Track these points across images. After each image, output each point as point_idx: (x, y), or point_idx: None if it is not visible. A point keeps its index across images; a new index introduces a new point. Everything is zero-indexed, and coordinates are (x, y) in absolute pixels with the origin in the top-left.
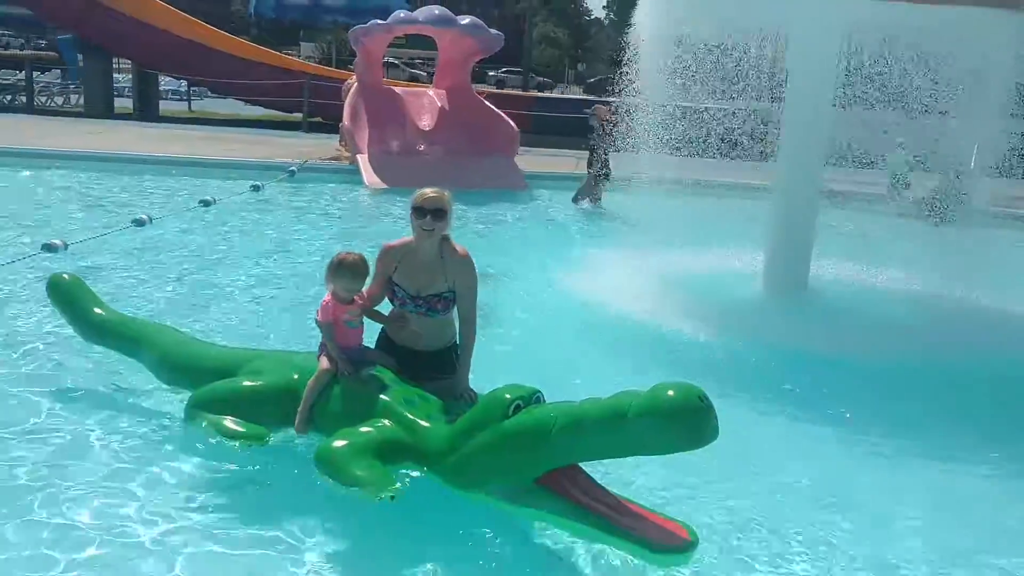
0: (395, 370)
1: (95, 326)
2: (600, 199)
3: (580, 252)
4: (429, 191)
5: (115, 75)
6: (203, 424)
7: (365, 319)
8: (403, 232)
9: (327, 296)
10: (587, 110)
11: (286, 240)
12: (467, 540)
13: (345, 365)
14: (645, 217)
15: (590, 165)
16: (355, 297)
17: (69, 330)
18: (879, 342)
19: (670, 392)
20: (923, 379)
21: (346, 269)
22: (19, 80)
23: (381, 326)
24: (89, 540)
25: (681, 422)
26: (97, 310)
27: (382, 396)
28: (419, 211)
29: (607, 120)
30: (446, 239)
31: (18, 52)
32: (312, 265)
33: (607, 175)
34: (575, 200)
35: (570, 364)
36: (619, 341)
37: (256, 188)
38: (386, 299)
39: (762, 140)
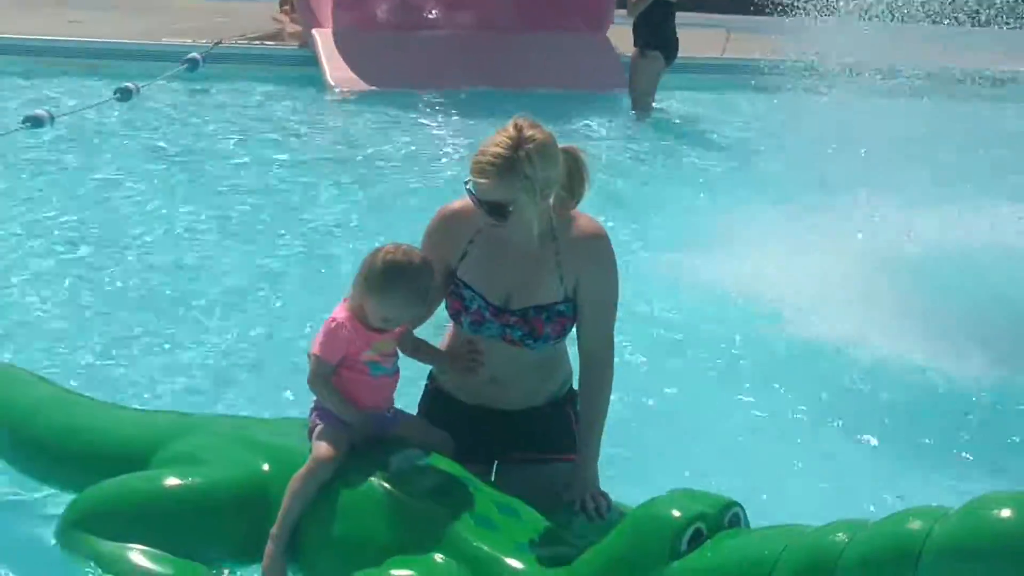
0: (455, 455)
1: None
2: (649, 102)
3: (734, 215)
4: (491, 149)
5: None
6: (92, 558)
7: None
8: (423, 190)
9: (342, 311)
10: None
11: (183, 197)
12: None
13: (332, 452)
14: (852, 146)
15: (637, 35)
16: None
17: None
18: None
19: (1006, 513)
20: None
21: (397, 294)
22: None
23: (428, 368)
24: None
25: None
26: None
27: (431, 508)
28: (469, 193)
29: None
30: (572, 190)
31: None
32: (240, 246)
33: (670, 53)
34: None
35: (730, 439)
36: (818, 389)
37: (125, 94)
38: (438, 314)
39: None
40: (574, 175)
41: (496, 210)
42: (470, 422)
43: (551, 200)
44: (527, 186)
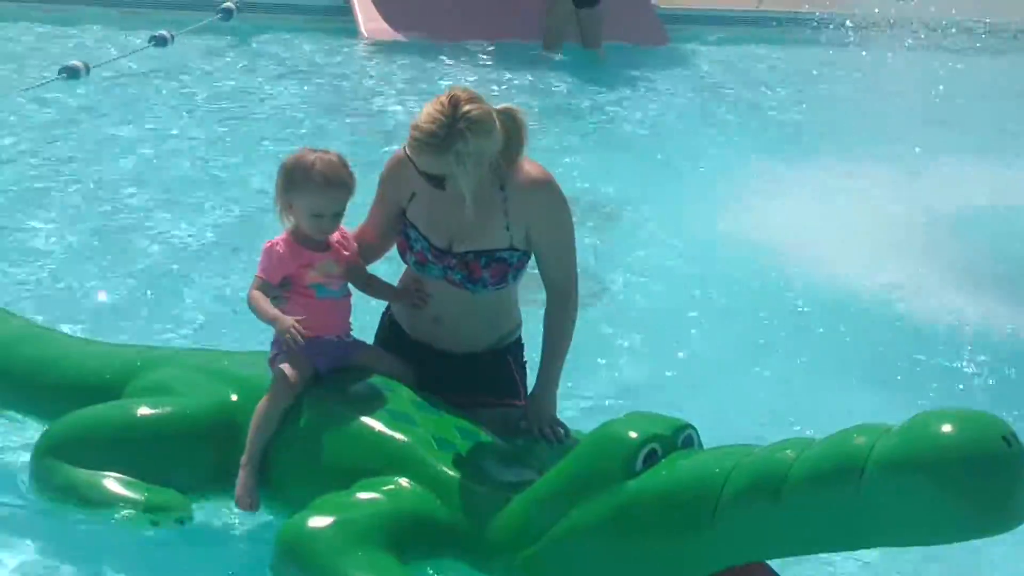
0: (414, 384)
1: None
2: (557, 40)
3: (770, 168)
4: (425, 125)
5: None
6: (66, 487)
7: (352, 287)
8: None
9: (280, 236)
10: None
11: (217, 141)
12: None
13: (293, 377)
14: (890, 100)
15: None
16: (334, 236)
17: None
18: None
19: (946, 428)
20: None
21: (313, 176)
22: None
23: (385, 303)
24: None
25: (970, 482)
26: None
27: (392, 433)
28: (409, 159)
29: None
30: (510, 152)
31: None
32: (264, 187)
33: None
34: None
35: (747, 375)
36: (837, 331)
37: (160, 41)
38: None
39: None
40: (512, 135)
41: (433, 180)
42: (414, 356)
43: (488, 165)
44: (460, 161)
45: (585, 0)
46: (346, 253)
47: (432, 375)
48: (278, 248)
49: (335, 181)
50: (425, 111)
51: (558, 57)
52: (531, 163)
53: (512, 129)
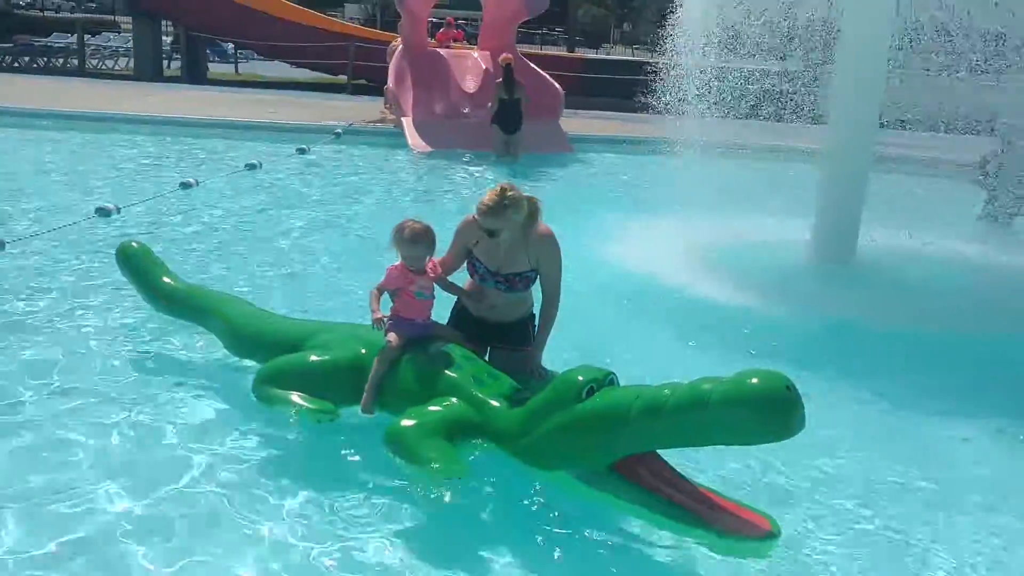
0: (465, 344)
1: (163, 295)
2: (499, 153)
3: (621, 219)
4: (486, 200)
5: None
6: (271, 398)
7: (438, 290)
8: (450, 194)
9: (398, 263)
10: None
11: (335, 203)
12: (536, 531)
13: (396, 341)
14: (688, 184)
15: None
16: (428, 266)
17: (132, 296)
18: (929, 312)
19: (755, 380)
20: (972, 350)
21: (411, 236)
22: (71, 44)
23: (455, 298)
24: (158, 515)
25: (767, 412)
26: (166, 279)
27: (451, 373)
28: (476, 220)
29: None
30: (531, 220)
31: (70, 15)
32: (362, 229)
33: (505, 127)
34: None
35: (610, 338)
36: (660, 312)
37: (302, 151)
38: (460, 270)
39: (810, 102)
40: (532, 211)
41: (490, 232)
42: (475, 327)
43: (520, 224)
44: (505, 223)
45: (511, 129)
46: (432, 274)
47: (486, 336)
48: (394, 271)
49: (421, 240)
50: (487, 194)
51: (506, 159)
52: (544, 225)
53: (532, 207)
